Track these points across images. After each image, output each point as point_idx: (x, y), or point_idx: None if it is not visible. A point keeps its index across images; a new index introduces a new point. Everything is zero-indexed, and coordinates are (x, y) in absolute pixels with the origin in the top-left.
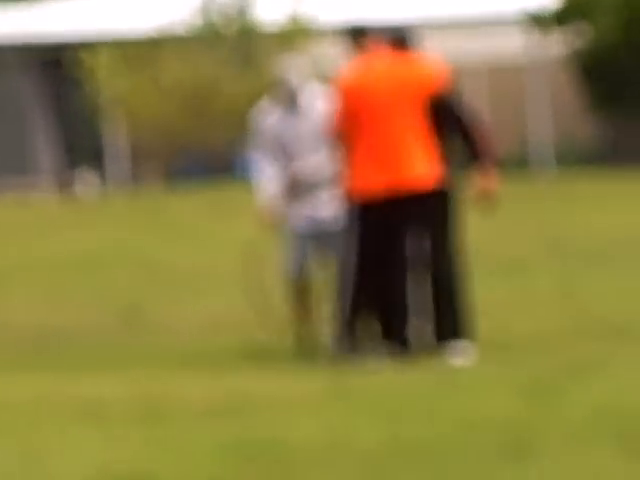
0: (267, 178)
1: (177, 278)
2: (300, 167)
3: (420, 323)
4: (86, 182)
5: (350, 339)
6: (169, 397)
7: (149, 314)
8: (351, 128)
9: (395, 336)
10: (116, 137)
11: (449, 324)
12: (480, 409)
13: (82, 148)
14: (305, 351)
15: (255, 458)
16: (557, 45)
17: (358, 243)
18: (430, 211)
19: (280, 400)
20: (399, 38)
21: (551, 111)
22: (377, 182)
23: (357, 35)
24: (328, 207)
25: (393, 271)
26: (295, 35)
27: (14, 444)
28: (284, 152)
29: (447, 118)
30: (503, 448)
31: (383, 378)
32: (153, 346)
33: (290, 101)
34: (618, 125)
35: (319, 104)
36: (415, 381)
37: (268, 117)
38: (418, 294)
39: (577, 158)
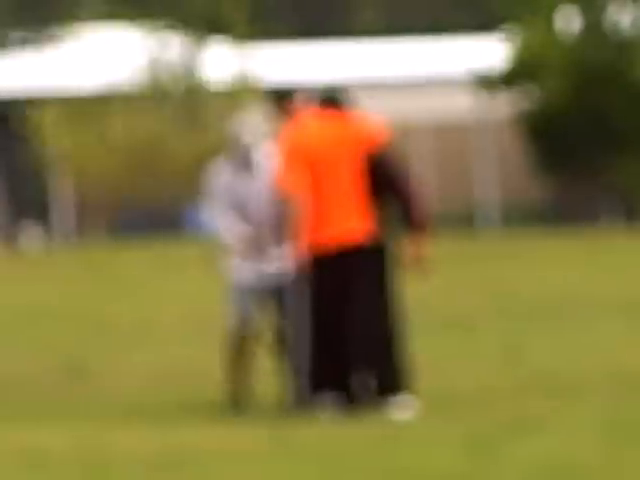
0: (224, 230)
1: (121, 331)
2: (251, 224)
3: (365, 375)
4: (31, 236)
5: (304, 393)
6: (112, 449)
7: (93, 366)
8: (302, 188)
9: (343, 387)
10: (62, 192)
11: (390, 379)
12: (421, 463)
13: (28, 202)
14: (239, 404)
15: None
16: (505, 106)
17: (312, 298)
18: (367, 266)
19: (222, 452)
20: (331, 98)
21: (497, 171)
22: (321, 237)
23: (283, 98)
24: (275, 263)
25: (347, 322)
26: (242, 94)
27: None
28: (236, 209)
29: (383, 177)
30: None
31: (327, 430)
32: (96, 398)
33: (243, 159)
34: (564, 185)
35: (270, 163)
36: (358, 434)
37: (222, 174)
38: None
39: (523, 217)
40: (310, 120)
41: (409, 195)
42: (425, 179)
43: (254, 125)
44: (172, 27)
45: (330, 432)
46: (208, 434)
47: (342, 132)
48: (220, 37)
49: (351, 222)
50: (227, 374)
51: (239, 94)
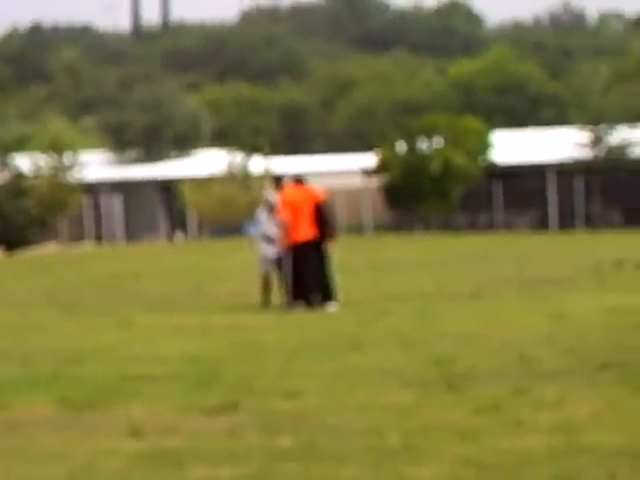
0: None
1: (213, 275)
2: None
3: (316, 294)
4: (179, 237)
5: (290, 302)
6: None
7: (208, 289)
8: (288, 216)
9: (307, 300)
10: (192, 218)
11: (326, 295)
12: (338, 329)
13: (178, 222)
14: (266, 306)
15: None
16: (375, 182)
17: (292, 261)
18: (318, 249)
19: (256, 325)
20: (299, 179)
21: (372, 208)
22: (300, 237)
23: (277, 179)
24: (277, 247)
25: (307, 272)
26: (266, 178)
27: None
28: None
29: (322, 213)
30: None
31: (301, 315)
32: (207, 302)
33: (268, 206)
34: (400, 215)
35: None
36: (313, 316)
37: (261, 213)
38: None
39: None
40: (290, 188)
41: (329, 221)
42: (339, 213)
43: (271, 192)
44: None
45: (302, 316)
46: (253, 318)
47: (305, 193)
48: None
49: (308, 231)
50: (261, 293)
51: (264, 178)
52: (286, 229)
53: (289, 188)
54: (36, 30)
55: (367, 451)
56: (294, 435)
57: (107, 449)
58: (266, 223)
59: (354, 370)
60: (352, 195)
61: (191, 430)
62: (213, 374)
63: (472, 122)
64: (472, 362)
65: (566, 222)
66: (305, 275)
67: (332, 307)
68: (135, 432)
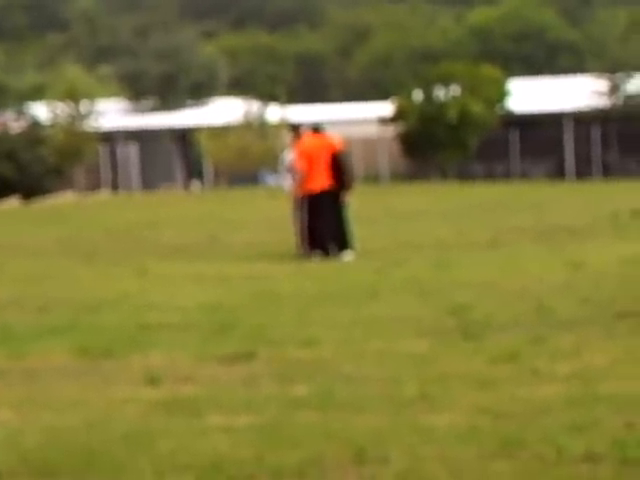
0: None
1: (232, 223)
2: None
3: (332, 244)
4: (195, 185)
5: (307, 251)
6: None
7: (223, 238)
8: (304, 165)
9: (323, 249)
10: (208, 167)
11: (342, 244)
12: (354, 278)
13: (195, 171)
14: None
15: None
16: (392, 130)
17: (308, 211)
18: (335, 198)
19: (275, 275)
20: (317, 127)
21: (388, 156)
22: (316, 186)
23: (295, 128)
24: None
25: (323, 221)
26: (282, 126)
27: None
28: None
29: (339, 162)
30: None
31: (318, 264)
32: (226, 251)
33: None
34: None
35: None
36: (330, 265)
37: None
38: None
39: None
40: (308, 137)
41: (346, 170)
42: (355, 162)
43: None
44: (256, 98)
45: (318, 265)
46: (270, 268)
47: (323, 142)
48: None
49: (325, 180)
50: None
51: (280, 127)
52: (302, 178)
53: (307, 137)
54: None
55: (384, 399)
56: (310, 383)
57: (124, 397)
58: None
59: (371, 319)
60: (369, 144)
61: (208, 378)
62: (230, 323)
63: (489, 70)
64: (489, 311)
65: (583, 171)
66: (321, 225)
67: (348, 256)
68: (152, 380)
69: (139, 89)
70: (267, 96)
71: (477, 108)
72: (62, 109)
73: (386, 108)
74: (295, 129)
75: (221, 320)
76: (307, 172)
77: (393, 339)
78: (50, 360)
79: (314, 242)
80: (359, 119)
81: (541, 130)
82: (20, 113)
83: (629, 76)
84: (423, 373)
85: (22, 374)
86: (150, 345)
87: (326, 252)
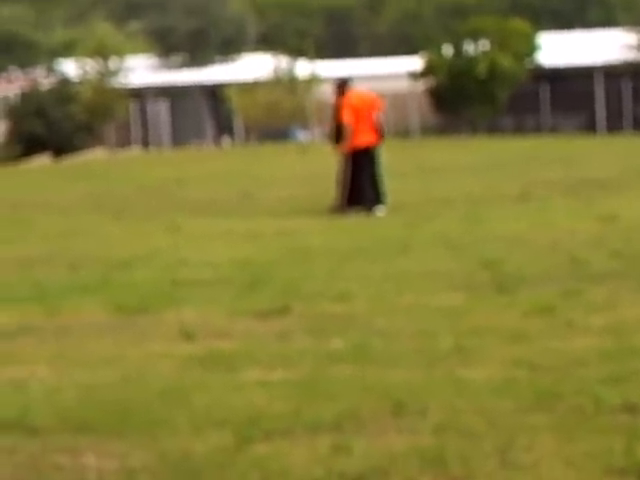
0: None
1: (266, 180)
2: None
3: (369, 200)
4: (226, 141)
5: (345, 207)
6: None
7: (256, 193)
8: (352, 120)
9: (362, 205)
10: (239, 123)
11: (377, 199)
12: (385, 232)
13: (225, 127)
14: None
15: None
16: (422, 85)
17: (351, 166)
18: (372, 154)
19: (305, 229)
20: (345, 82)
21: (418, 112)
22: (359, 142)
23: (342, 82)
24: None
25: (365, 178)
26: (312, 82)
27: None
28: None
29: (376, 118)
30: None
31: (354, 219)
32: (258, 208)
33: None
34: (447, 118)
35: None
36: (365, 219)
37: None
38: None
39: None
40: (355, 92)
41: (380, 124)
42: (385, 117)
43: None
44: (285, 54)
45: (350, 220)
46: (301, 223)
47: (367, 98)
48: (302, 58)
49: (368, 136)
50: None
51: (310, 82)
52: (349, 134)
53: (353, 92)
54: None
55: (418, 353)
56: (345, 338)
57: (159, 353)
58: None
59: (402, 273)
60: (398, 99)
61: (242, 333)
62: (263, 278)
63: (519, 24)
64: (521, 264)
65: (614, 124)
66: (363, 181)
67: (380, 211)
68: (187, 336)
69: (168, 45)
70: (296, 51)
71: (507, 62)
72: (91, 66)
73: (415, 63)
74: (342, 84)
75: (254, 275)
76: (354, 128)
77: (426, 293)
78: (83, 317)
79: (353, 198)
80: (389, 74)
81: (571, 84)
82: (50, 70)
83: None
84: (457, 327)
85: (56, 331)
86: (184, 301)
87: (365, 208)
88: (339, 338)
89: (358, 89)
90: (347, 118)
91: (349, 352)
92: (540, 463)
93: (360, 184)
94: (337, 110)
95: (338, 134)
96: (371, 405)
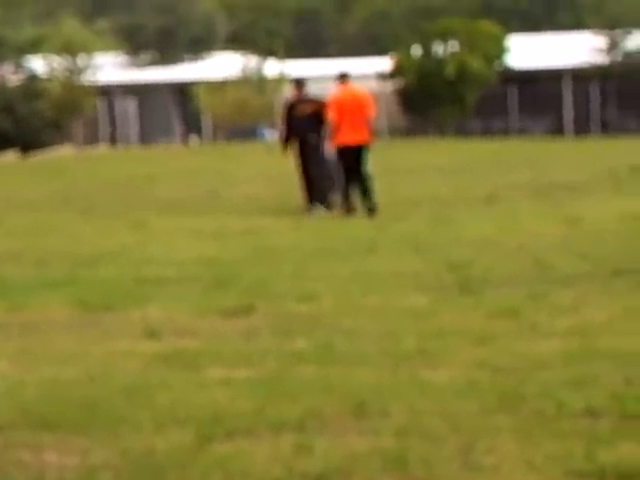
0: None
1: (233, 177)
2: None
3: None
4: (194, 140)
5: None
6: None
7: (224, 192)
8: (336, 116)
9: (324, 202)
10: (207, 121)
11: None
12: (353, 231)
13: (193, 126)
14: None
15: None
16: (391, 86)
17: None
18: (362, 153)
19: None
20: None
21: (386, 113)
22: (346, 140)
23: (343, 76)
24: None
25: (355, 175)
26: (280, 82)
27: None
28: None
29: (367, 116)
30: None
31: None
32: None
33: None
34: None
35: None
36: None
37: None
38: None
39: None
40: (339, 88)
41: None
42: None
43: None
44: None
45: (317, 220)
46: (268, 222)
47: (357, 95)
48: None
49: (356, 134)
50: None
51: (279, 82)
52: (333, 131)
53: (338, 88)
54: None
55: (383, 354)
56: (309, 337)
57: (124, 350)
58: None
59: (369, 274)
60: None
61: (207, 332)
62: (229, 277)
63: (488, 26)
64: (487, 266)
65: (582, 128)
66: (350, 173)
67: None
68: (152, 334)
69: (137, 43)
70: (265, 51)
71: (476, 64)
72: (59, 63)
73: (384, 63)
74: (343, 77)
75: (220, 274)
76: (337, 124)
77: (391, 294)
78: (49, 313)
79: (316, 195)
80: (358, 74)
81: (540, 86)
82: (17, 66)
83: (628, 33)
84: (422, 328)
85: (21, 327)
86: (149, 299)
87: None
88: (304, 338)
89: (351, 86)
90: (331, 115)
91: (313, 352)
92: (502, 465)
93: (349, 177)
94: (286, 110)
95: (288, 135)
96: (334, 405)
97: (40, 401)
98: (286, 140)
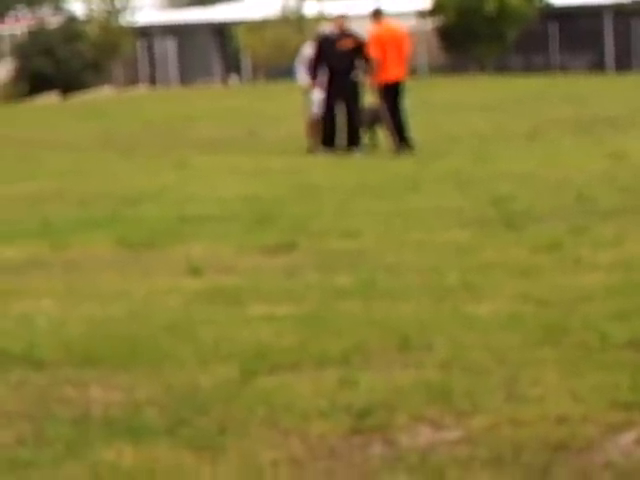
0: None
1: (270, 117)
2: None
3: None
4: (234, 79)
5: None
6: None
7: (262, 132)
8: (378, 53)
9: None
10: (246, 61)
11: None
12: (381, 164)
13: (233, 64)
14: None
15: None
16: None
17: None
18: (402, 89)
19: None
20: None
21: (426, 50)
22: (390, 77)
23: (376, 13)
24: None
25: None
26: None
27: None
28: None
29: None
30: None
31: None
32: (263, 148)
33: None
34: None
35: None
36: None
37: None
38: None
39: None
40: (379, 25)
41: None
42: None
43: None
44: None
45: (358, 158)
46: (309, 160)
47: (393, 30)
48: None
49: (399, 70)
50: (309, 136)
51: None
52: (377, 68)
53: (377, 25)
54: None
55: (426, 288)
56: (352, 273)
57: (166, 287)
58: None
59: (411, 210)
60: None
61: (249, 269)
62: (270, 214)
63: None
64: (530, 201)
65: (623, 64)
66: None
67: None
68: (194, 271)
69: None
70: None
71: (515, 1)
72: (98, 4)
73: (424, 1)
74: (377, 13)
75: (261, 212)
76: (381, 61)
77: (434, 230)
78: (91, 252)
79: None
80: (397, 12)
81: (580, 22)
82: (57, 8)
83: None
84: (464, 262)
85: (64, 265)
86: (191, 236)
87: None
88: (346, 274)
89: (387, 22)
90: (374, 52)
91: (356, 287)
92: (546, 397)
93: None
94: (322, 44)
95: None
96: (378, 340)
97: (84, 338)
98: (315, 75)
